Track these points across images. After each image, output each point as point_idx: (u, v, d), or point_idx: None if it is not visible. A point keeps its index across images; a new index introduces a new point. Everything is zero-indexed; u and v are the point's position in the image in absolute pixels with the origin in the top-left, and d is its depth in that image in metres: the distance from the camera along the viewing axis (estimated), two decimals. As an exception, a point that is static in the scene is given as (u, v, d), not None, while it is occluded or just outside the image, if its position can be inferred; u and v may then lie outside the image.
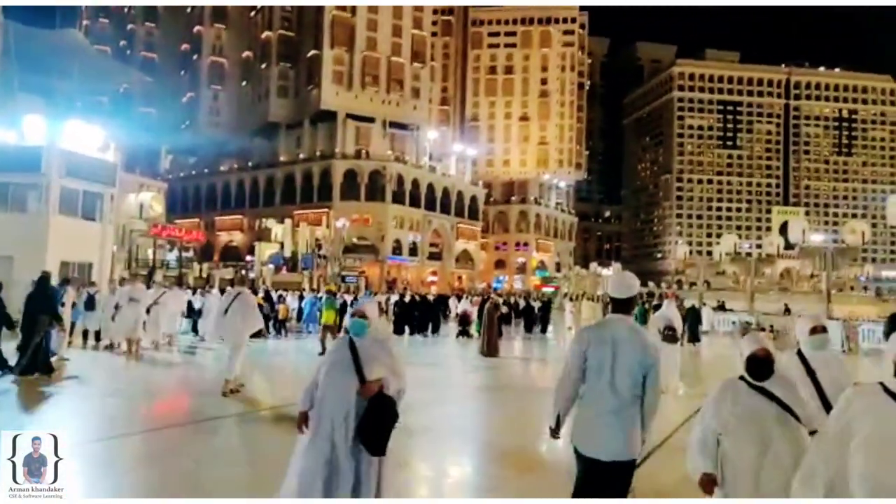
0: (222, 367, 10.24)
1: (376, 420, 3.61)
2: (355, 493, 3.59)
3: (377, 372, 3.68)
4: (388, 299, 26.43)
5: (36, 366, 10.39)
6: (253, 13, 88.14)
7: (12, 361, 10.46)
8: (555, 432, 3.73)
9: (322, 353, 7.48)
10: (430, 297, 26.48)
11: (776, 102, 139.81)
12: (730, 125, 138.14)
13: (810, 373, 3.70)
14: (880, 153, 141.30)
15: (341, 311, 18.53)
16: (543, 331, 26.59)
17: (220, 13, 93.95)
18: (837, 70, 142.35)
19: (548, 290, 73.54)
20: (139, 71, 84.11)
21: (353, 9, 77.78)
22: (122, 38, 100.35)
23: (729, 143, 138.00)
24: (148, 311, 14.27)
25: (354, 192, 73.38)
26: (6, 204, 19.43)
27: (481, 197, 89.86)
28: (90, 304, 14.66)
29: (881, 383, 2.47)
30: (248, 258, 58.86)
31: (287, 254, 44.02)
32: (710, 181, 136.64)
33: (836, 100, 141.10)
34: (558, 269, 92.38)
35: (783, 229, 69.27)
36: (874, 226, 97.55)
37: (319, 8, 77.40)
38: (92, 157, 19.87)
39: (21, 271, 14.73)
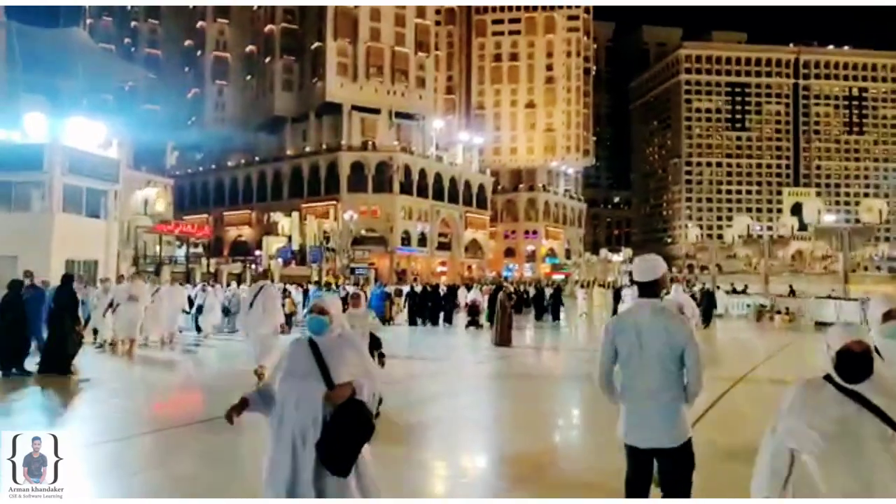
0: (223, 365, 10.11)
1: (345, 431, 3.04)
2: None
3: (346, 374, 3.16)
4: (398, 290, 26.22)
5: (54, 365, 10.35)
6: (255, 7, 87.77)
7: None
8: None
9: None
10: (442, 288, 26.26)
11: (785, 82, 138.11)
12: (738, 107, 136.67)
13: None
14: (892, 131, 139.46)
15: (344, 303, 18.37)
16: (555, 318, 26.42)
17: (222, 8, 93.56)
18: (846, 48, 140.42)
19: (558, 277, 73.37)
20: (143, 68, 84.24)
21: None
22: (126, 36, 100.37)
23: (738, 124, 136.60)
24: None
25: (362, 184, 73.18)
26: (9, 203, 19.29)
27: (489, 185, 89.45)
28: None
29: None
30: (257, 253, 58.92)
31: (295, 247, 43.94)
32: (719, 164, 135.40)
33: (846, 78, 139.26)
34: (568, 256, 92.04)
35: (795, 210, 68.59)
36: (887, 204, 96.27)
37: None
38: (95, 154, 19.70)
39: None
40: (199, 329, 17.96)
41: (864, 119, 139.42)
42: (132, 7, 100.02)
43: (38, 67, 29.47)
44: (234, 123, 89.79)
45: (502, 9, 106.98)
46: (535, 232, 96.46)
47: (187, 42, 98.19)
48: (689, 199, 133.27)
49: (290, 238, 45.36)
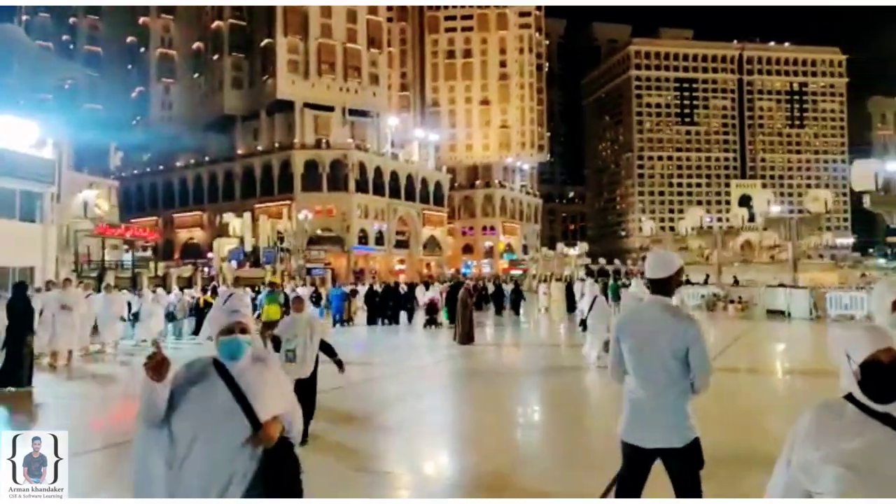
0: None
1: (284, 481, 2.47)
2: None
3: (273, 407, 2.51)
4: (353, 290, 25.68)
5: (13, 378, 9.93)
6: (201, 3, 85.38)
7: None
8: None
9: (277, 350, 6.57)
10: (402, 287, 25.89)
11: (730, 78, 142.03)
12: (686, 101, 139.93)
13: None
14: (831, 124, 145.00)
15: (286, 305, 17.87)
16: (516, 313, 26.54)
17: (166, 5, 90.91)
18: (787, 44, 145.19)
19: (516, 272, 73.72)
20: (84, 66, 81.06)
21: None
22: (65, 33, 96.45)
23: (686, 119, 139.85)
24: None
25: (316, 183, 72.01)
26: (-68, 208, 17.95)
27: (446, 182, 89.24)
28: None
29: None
30: (209, 255, 57.33)
31: (248, 249, 42.81)
32: (669, 158, 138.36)
33: (787, 73, 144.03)
34: (525, 252, 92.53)
35: (743, 202, 70.48)
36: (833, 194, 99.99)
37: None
38: (27, 155, 18.48)
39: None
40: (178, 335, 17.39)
41: (805, 113, 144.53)
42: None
43: (-32, 64, 27.84)
44: (183, 123, 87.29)
45: (454, 6, 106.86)
46: (492, 228, 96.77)
47: (130, 39, 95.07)
48: (641, 193, 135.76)
49: (242, 239, 44.16)
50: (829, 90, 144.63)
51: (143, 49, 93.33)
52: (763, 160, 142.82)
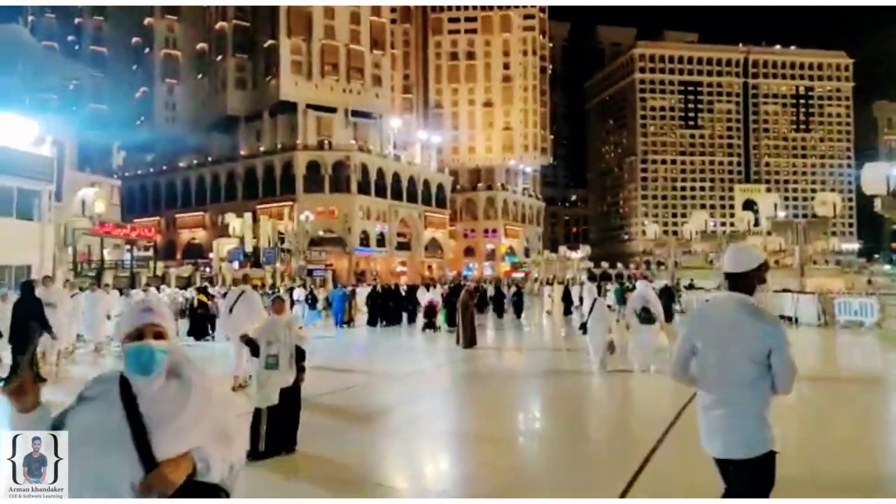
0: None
1: None
2: None
3: (182, 440, 1.93)
4: (352, 291, 25.40)
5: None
6: (206, 4, 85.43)
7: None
8: None
9: (255, 355, 6.13)
10: (403, 288, 25.69)
11: (735, 81, 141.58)
12: (691, 105, 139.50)
13: None
14: (836, 128, 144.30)
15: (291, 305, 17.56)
16: (518, 316, 26.36)
17: (171, 5, 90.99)
18: (793, 48, 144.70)
19: (517, 275, 73.47)
20: (89, 66, 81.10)
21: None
22: (70, 34, 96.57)
23: (690, 122, 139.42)
24: None
25: (318, 184, 71.88)
26: (-70, 204, 17.74)
27: (448, 184, 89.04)
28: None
29: None
30: (211, 255, 57.27)
31: (248, 249, 42.66)
32: (673, 161, 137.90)
33: (793, 77, 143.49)
34: (527, 255, 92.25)
35: (747, 206, 70.15)
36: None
37: (275, -4, 75.26)
38: (25, 153, 18.28)
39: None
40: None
41: (811, 117, 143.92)
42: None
43: (-28, 64, 27.75)
44: (186, 123, 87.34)
45: (458, 7, 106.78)
46: (494, 231, 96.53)
47: (135, 40, 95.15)
48: (644, 197, 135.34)
49: (242, 240, 44.01)
50: (836, 94, 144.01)
51: (147, 50, 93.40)
52: (768, 164, 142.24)
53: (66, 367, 12.65)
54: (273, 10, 76.00)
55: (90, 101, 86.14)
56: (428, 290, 24.73)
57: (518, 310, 27.37)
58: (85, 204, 21.90)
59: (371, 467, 6.14)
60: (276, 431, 6.03)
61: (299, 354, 6.22)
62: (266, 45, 77.51)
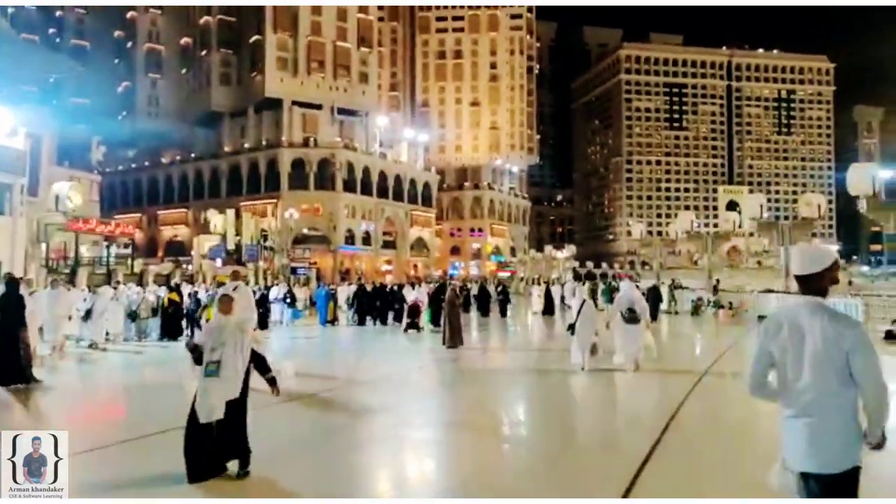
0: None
1: None
2: None
3: None
4: (335, 290, 25.01)
5: (14, 375, 9.78)
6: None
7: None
8: None
9: (198, 363, 5.45)
10: (393, 286, 25.51)
11: (719, 84, 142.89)
12: (675, 107, 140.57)
13: None
14: (817, 131, 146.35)
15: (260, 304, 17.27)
16: (503, 315, 26.32)
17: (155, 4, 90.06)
18: (776, 52, 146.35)
19: (503, 274, 73.47)
20: (70, 60, 79.77)
21: (296, -7, 75.27)
22: (52, 26, 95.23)
23: (675, 124, 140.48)
24: None
25: (303, 182, 71.32)
26: None
27: (434, 183, 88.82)
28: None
29: None
30: (193, 253, 56.58)
31: (231, 246, 42.09)
32: (658, 162, 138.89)
33: (775, 80, 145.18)
34: (513, 254, 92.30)
35: (730, 207, 70.66)
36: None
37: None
38: (-4, 145, 17.63)
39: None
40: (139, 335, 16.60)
41: (792, 120, 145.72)
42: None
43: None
44: (169, 118, 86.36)
45: (446, 6, 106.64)
46: (480, 230, 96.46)
47: (117, 33, 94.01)
48: (629, 197, 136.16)
49: (223, 236, 43.43)
50: (817, 98, 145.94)
51: (130, 44, 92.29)
52: (750, 166, 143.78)
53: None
54: (259, 6, 75.26)
55: (71, 95, 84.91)
56: (413, 288, 24.53)
57: (503, 309, 27.26)
58: (59, 199, 21.29)
59: (345, 483, 5.94)
60: (218, 448, 5.31)
61: (259, 362, 5.51)
62: (251, 40, 76.80)
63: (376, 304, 22.53)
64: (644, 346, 11.87)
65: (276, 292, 23.15)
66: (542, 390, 10.71)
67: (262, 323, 18.23)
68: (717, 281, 29.76)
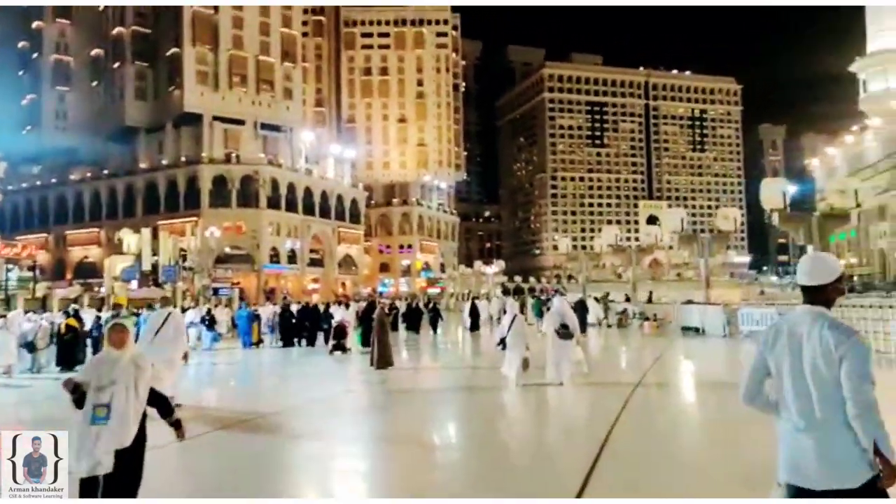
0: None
1: None
2: None
3: None
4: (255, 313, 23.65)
5: None
6: (101, 8, 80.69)
7: None
8: None
9: (79, 406, 4.14)
10: (321, 306, 24.57)
11: (637, 102, 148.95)
12: (597, 124, 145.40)
13: None
14: (728, 149, 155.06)
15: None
16: (434, 331, 25.96)
17: (62, 8, 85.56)
18: (688, 73, 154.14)
19: (434, 290, 73.24)
20: (-33, 70, 74.65)
21: (216, 7, 73.14)
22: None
23: (597, 141, 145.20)
24: None
25: (225, 199, 68.84)
26: None
27: (362, 200, 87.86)
28: None
29: None
30: (105, 275, 53.41)
31: (147, 267, 39.84)
32: (581, 178, 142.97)
33: (689, 100, 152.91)
34: (443, 270, 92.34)
35: (650, 221, 73.26)
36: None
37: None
38: None
39: None
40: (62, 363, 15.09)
41: (705, 138, 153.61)
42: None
43: None
44: (79, 133, 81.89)
45: (371, 23, 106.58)
46: (409, 246, 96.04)
47: (22, 44, 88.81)
48: (555, 213, 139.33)
49: (138, 257, 41.11)
50: (727, 117, 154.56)
51: (35, 54, 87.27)
52: (668, 182, 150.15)
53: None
54: (176, 18, 72.62)
55: (-32, 108, 79.30)
56: (347, 307, 23.70)
57: (434, 326, 26.85)
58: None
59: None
60: None
61: (160, 403, 4.48)
62: (169, 53, 73.97)
63: (305, 324, 21.63)
64: (575, 360, 11.98)
65: (192, 315, 21.78)
66: (477, 407, 10.35)
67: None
68: (650, 293, 30.47)
